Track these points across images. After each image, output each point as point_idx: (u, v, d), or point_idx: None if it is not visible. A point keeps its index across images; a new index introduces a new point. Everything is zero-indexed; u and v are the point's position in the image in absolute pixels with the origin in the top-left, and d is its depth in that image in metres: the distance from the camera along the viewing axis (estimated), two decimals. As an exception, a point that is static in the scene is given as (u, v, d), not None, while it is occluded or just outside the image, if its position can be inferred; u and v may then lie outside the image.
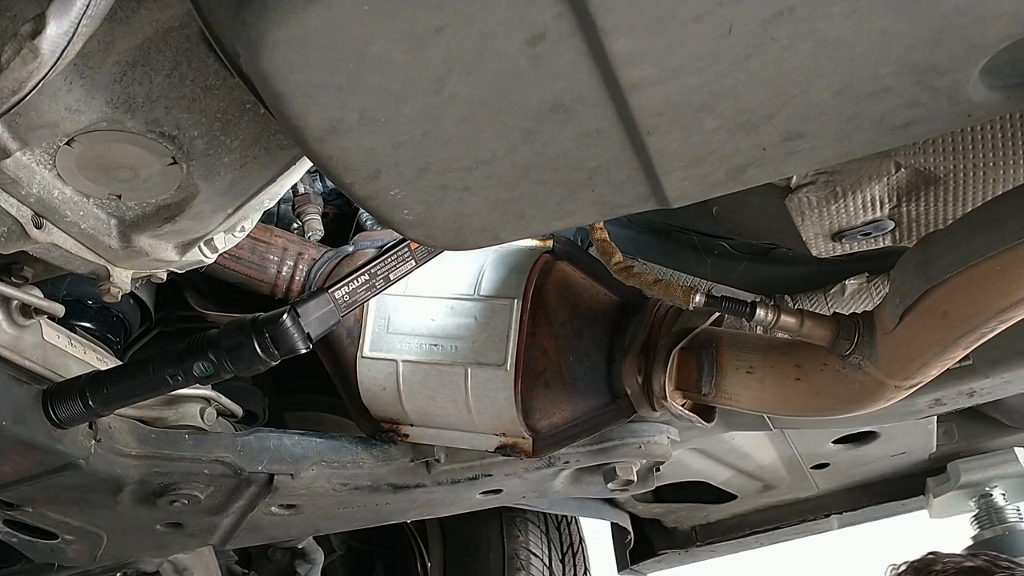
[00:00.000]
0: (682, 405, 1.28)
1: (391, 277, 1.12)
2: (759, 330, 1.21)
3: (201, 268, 1.14)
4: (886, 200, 1.13)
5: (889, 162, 1.07)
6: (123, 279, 1.01)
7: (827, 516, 2.48)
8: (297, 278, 1.45)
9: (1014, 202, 0.90)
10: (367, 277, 1.09)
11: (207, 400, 1.32)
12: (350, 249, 1.48)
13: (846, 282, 1.37)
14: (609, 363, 1.31)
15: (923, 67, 0.63)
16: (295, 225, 1.58)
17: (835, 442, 1.91)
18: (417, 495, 1.54)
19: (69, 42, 0.63)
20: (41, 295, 1.04)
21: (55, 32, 0.62)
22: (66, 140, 0.82)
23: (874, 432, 1.87)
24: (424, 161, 0.69)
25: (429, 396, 1.37)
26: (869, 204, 1.14)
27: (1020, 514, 2.12)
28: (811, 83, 0.63)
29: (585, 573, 2.61)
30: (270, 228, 1.47)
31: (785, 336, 1.14)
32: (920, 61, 0.62)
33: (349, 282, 1.06)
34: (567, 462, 1.52)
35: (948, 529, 2.25)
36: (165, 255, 1.00)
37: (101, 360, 1.18)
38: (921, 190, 1.10)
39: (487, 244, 0.85)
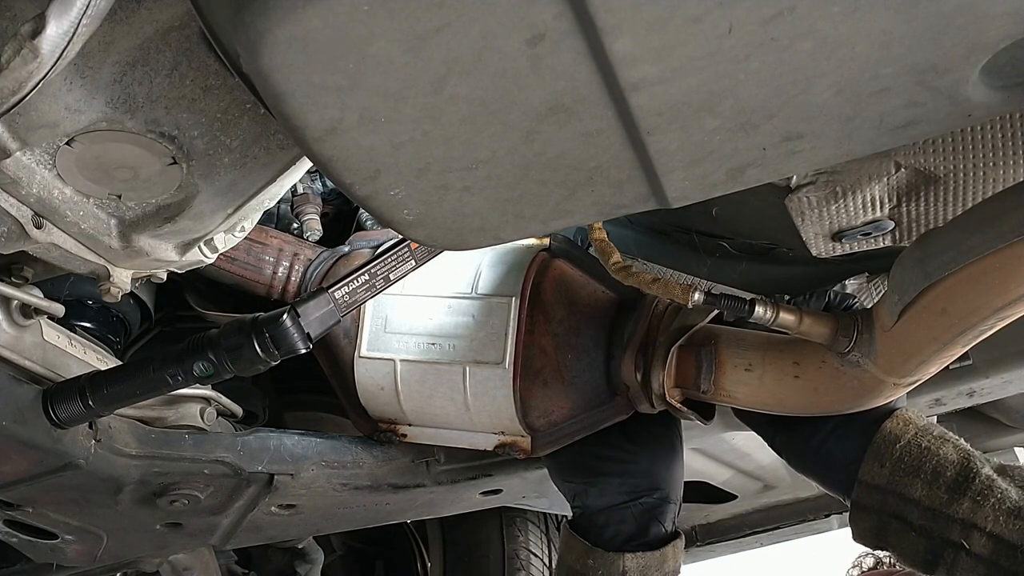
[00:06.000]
0: (681, 403, 1.28)
1: (391, 277, 1.12)
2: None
3: (201, 268, 1.14)
4: (886, 200, 1.13)
5: (889, 162, 1.07)
6: (123, 279, 1.01)
7: (827, 516, 2.49)
8: (293, 279, 1.45)
9: (1012, 199, 0.90)
10: (367, 277, 1.09)
11: (207, 400, 1.32)
12: (346, 249, 1.48)
13: (846, 282, 1.37)
14: (608, 360, 1.31)
15: (923, 67, 0.63)
16: (294, 225, 1.58)
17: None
18: (417, 495, 1.54)
19: (69, 42, 0.63)
20: (41, 295, 1.04)
21: (55, 32, 0.62)
22: (66, 140, 0.82)
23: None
24: (424, 161, 0.69)
25: (427, 395, 1.37)
26: (869, 204, 1.14)
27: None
28: (811, 83, 0.63)
29: (585, 573, 2.61)
30: (265, 229, 1.47)
31: (784, 334, 1.14)
32: (920, 61, 0.62)
33: (349, 282, 1.06)
34: (567, 462, 1.52)
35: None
36: (165, 255, 1.00)
37: (101, 360, 1.18)
38: (921, 190, 1.10)
39: (487, 244, 0.85)
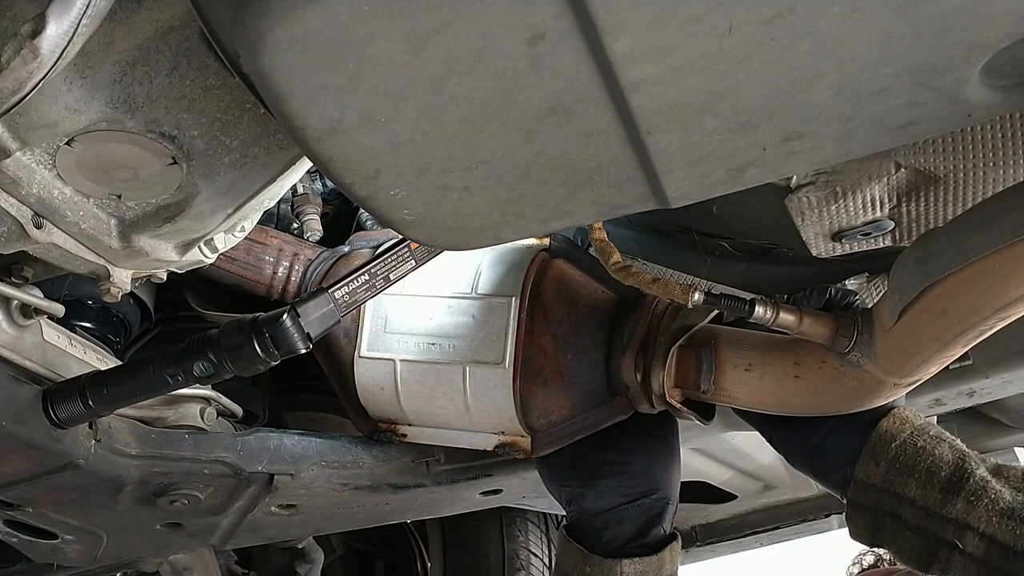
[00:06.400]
0: (681, 403, 1.28)
1: (391, 277, 1.12)
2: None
3: (201, 268, 1.14)
4: (886, 200, 1.13)
5: (889, 162, 1.07)
6: (123, 279, 1.01)
7: (827, 516, 2.49)
8: (293, 279, 1.45)
9: (1012, 199, 0.90)
10: (367, 277, 1.09)
11: (207, 400, 1.32)
12: (346, 249, 1.48)
13: (846, 282, 1.37)
14: (607, 360, 1.31)
15: (923, 67, 0.63)
16: (294, 225, 1.58)
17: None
18: (417, 495, 1.54)
19: (69, 42, 0.63)
20: (41, 295, 1.04)
21: (55, 32, 0.62)
22: (66, 140, 0.82)
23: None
24: (424, 161, 0.69)
25: (427, 395, 1.37)
26: (869, 204, 1.14)
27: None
28: (811, 83, 0.63)
29: (585, 573, 2.61)
30: (265, 229, 1.47)
31: (784, 334, 1.14)
32: (920, 61, 0.62)
33: (349, 282, 1.06)
34: (567, 462, 1.52)
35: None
36: (165, 255, 1.00)
37: (101, 360, 1.18)
38: (921, 190, 1.10)
39: (487, 244, 0.85)
